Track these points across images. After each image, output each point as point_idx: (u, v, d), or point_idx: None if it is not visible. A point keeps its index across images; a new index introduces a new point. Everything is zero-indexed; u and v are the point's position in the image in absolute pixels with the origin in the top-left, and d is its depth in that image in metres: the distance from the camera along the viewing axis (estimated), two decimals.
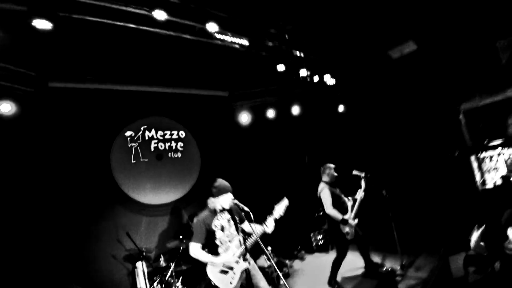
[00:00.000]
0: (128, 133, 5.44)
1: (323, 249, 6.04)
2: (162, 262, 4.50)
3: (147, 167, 5.47)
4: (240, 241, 3.17)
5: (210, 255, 3.16)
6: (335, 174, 4.54)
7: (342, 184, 4.65)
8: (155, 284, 4.27)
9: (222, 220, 3.23)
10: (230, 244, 3.21)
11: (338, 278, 4.49)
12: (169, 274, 4.25)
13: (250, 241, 3.17)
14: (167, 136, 5.79)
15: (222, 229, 3.21)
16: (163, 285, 4.29)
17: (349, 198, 4.48)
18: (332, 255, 4.87)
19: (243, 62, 5.51)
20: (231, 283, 3.09)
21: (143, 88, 5.61)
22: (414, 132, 6.13)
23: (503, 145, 5.85)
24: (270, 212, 3.33)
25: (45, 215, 4.51)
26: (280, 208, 3.34)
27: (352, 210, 4.38)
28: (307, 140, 7.13)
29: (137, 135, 5.51)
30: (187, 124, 6.04)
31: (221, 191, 3.21)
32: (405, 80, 6.10)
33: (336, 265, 4.43)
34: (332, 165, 4.59)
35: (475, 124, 6.13)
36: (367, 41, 5.54)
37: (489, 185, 6.10)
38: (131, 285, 4.85)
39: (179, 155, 5.86)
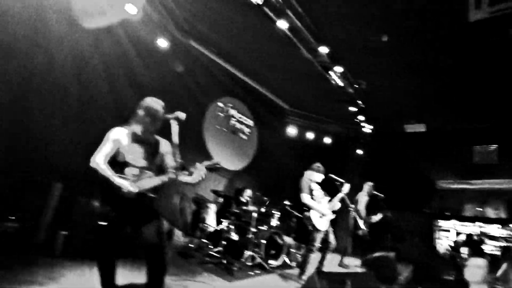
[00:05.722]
0: (220, 104, 6.60)
1: None
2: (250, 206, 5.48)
3: (224, 137, 6.62)
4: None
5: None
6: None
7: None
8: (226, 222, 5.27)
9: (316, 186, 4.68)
10: (322, 201, 4.65)
11: None
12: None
13: None
14: (243, 120, 7.06)
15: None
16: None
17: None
18: None
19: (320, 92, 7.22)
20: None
21: (240, 74, 6.90)
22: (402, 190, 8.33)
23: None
24: None
25: None
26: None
27: None
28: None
29: (225, 108, 6.69)
30: (256, 117, 7.40)
31: None
32: (409, 150, 8.44)
33: None
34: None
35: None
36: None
37: None
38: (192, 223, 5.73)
39: (245, 137, 7.12)
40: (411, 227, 8.26)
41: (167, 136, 2.49)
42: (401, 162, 8.34)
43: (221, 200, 5.75)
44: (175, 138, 2.37)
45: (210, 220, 5.47)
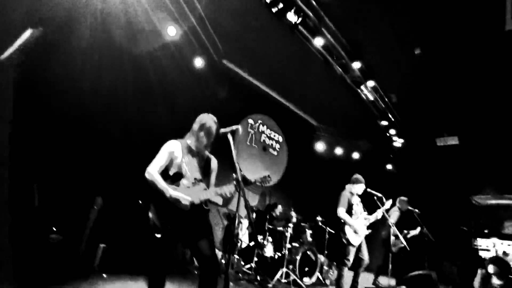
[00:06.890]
0: (250, 121, 6.70)
1: None
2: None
3: (255, 153, 6.68)
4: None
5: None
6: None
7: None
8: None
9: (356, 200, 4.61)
10: (360, 216, 4.53)
11: None
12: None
13: None
14: (272, 136, 7.13)
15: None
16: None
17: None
18: None
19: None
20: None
21: (268, 90, 7.01)
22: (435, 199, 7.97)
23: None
24: None
25: None
26: None
27: None
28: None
29: (255, 125, 6.79)
30: (284, 132, 7.43)
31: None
32: (442, 163, 8.14)
33: None
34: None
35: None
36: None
37: None
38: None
39: (275, 153, 7.15)
40: (448, 245, 7.83)
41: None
42: (434, 177, 8.06)
43: (254, 215, 5.74)
44: (234, 151, 2.33)
45: (243, 236, 5.46)
